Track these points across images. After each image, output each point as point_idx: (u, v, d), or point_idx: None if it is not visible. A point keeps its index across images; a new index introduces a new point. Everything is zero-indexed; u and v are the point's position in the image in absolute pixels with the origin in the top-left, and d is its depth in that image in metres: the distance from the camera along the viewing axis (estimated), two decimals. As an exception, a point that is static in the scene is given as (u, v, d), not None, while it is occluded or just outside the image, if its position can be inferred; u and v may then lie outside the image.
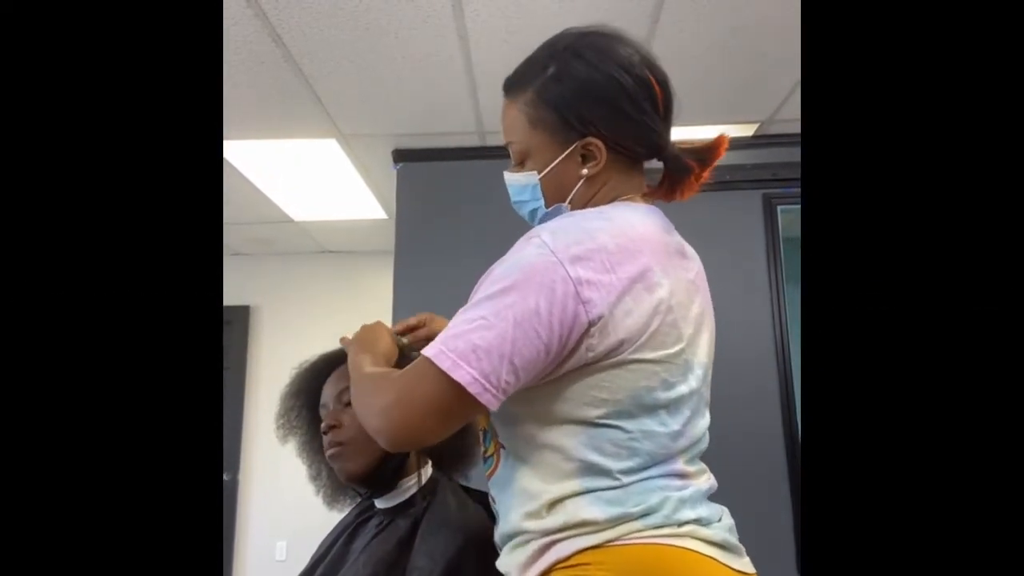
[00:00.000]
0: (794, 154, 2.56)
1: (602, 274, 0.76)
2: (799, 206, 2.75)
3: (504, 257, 0.80)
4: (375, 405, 0.80)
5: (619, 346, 0.77)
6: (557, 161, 0.87)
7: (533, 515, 0.80)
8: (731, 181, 2.50)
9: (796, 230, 4.55)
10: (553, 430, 0.80)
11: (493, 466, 0.88)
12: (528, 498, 0.81)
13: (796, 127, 2.51)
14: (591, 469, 0.78)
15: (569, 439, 0.79)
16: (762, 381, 2.42)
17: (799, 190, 2.70)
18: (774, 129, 2.53)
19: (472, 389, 0.73)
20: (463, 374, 0.73)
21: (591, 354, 0.77)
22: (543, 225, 0.82)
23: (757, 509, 2.29)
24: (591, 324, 0.75)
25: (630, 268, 0.78)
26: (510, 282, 0.76)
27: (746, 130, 2.55)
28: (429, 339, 1.10)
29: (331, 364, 1.21)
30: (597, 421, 0.79)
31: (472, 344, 0.74)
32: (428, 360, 0.75)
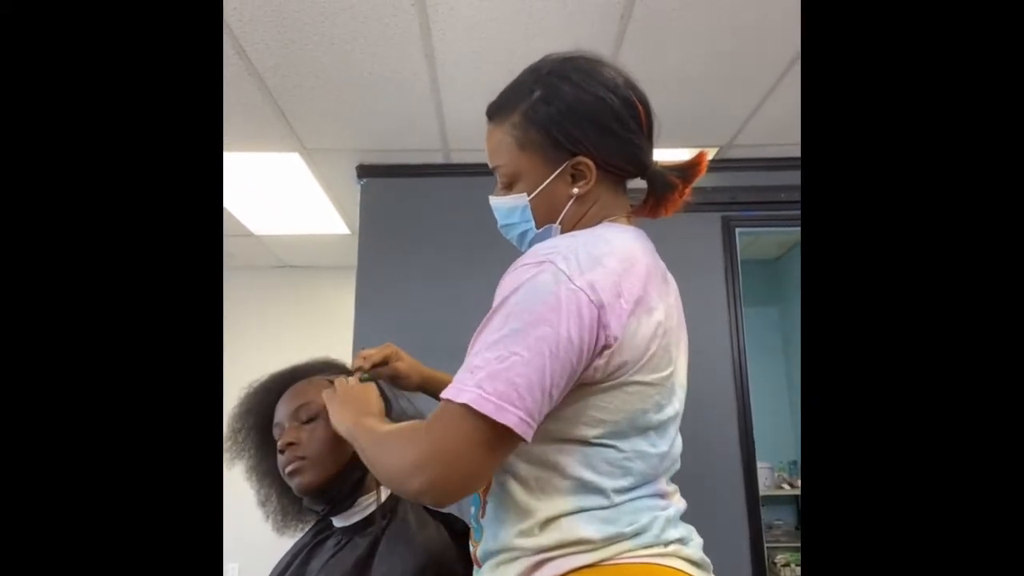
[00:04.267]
0: (753, 178, 2.62)
1: (615, 299, 0.77)
2: (758, 229, 2.80)
3: (512, 285, 0.78)
4: (407, 464, 0.75)
5: (621, 367, 0.78)
6: (547, 181, 0.88)
7: (526, 532, 0.79)
8: (690, 203, 2.54)
9: (754, 252, 4.65)
10: (549, 448, 0.80)
11: (488, 482, 0.86)
12: (521, 515, 0.80)
13: (754, 152, 2.58)
14: (585, 487, 0.79)
15: (565, 457, 0.79)
16: (720, 400, 2.45)
17: (758, 213, 2.76)
18: (733, 154, 2.60)
19: (519, 430, 0.72)
20: (510, 416, 0.71)
21: (597, 375, 0.77)
22: (548, 248, 0.80)
23: (714, 526, 2.31)
24: (606, 347, 0.76)
25: (634, 291, 0.79)
26: (536, 314, 0.74)
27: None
28: (393, 377, 1.09)
29: (282, 383, 1.18)
30: (593, 441, 0.79)
31: (512, 383, 0.72)
32: (462, 407, 0.72)
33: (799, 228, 3.11)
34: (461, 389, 0.73)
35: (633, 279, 0.80)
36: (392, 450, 0.80)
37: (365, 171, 2.64)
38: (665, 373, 0.82)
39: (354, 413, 0.93)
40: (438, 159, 2.62)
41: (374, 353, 1.09)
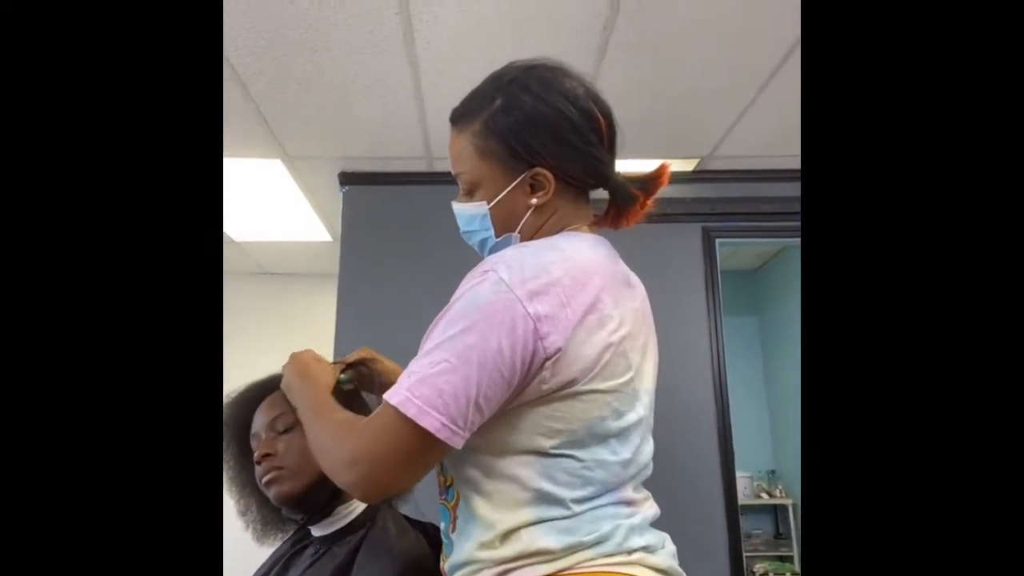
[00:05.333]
0: (732, 189, 2.65)
1: (558, 308, 0.77)
2: (737, 240, 2.85)
3: (458, 293, 0.80)
4: (341, 457, 0.78)
5: (571, 376, 0.78)
6: (506, 191, 0.88)
7: (487, 545, 0.79)
8: (671, 214, 2.57)
9: (733, 263, 4.70)
10: (508, 460, 0.80)
11: (456, 496, 0.87)
12: (483, 528, 0.80)
13: (734, 163, 2.61)
14: (545, 498, 0.79)
15: (524, 469, 0.79)
16: (700, 410, 2.47)
17: (737, 224, 2.80)
18: (713, 165, 2.62)
19: (441, 435, 0.73)
20: (431, 420, 0.73)
21: (545, 386, 0.77)
22: (496, 257, 0.81)
23: (693, 535, 2.32)
24: (547, 359, 0.76)
25: (583, 299, 0.79)
26: (470, 322, 0.76)
27: (686, 165, 2.63)
28: (372, 379, 1.09)
29: (260, 393, 1.17)
30: (551, 451, 0.79)
31: (438, 389, 0.73)
32: (393, 408, 0.74)
33: (778, 239, 3.14)
34: (395, 391, 0.75)
35: (583, 287, 0.80)
36: (331, 442, 0.82)
37: (348, 178, 2.64)
38: (623, 379, 0.82)
39: (303, 391, 0.95)
40: (421, 167, 2.62)
41: (349, 357, 1.10)
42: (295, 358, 1.02)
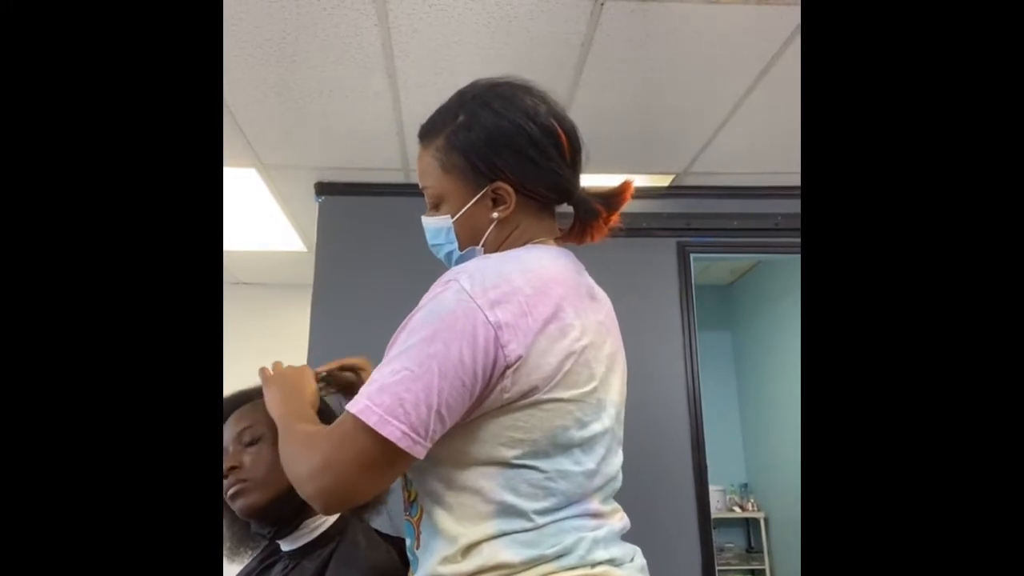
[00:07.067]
0: (707, 205, 2.68)
1: (519, 317, 0.78)
2: (711, 255, 2.87)
3: (421, 303, 0.80)
4: (304, 469, 0.78)
5: (532, 384, 0.78)
6: (468, 205, 0.90)
7: (449, 560, 0.79)
8: (647, 229, 2.59)
9: (707, 278, 4.74)
10: (470, 471, 0.80)
11: (420, 511, 0.86)
12: (446, 542, 0.80)
13: (709, 179, 2.64)
14: (507, 511, 0.78)
15: (487, 481, 0.79)
16: (674, 424, 2.47)
17: (712, 240, 2.83)
18: (688, 181, 2.65)
19: (402, 444, 0.73)
20: (392, 430, 0.72)
21: (506, 395, 0.77)
22: (459, 268, 0.82)
23: (666, 548, 2.32)
24: (508, 367, 0.76)
25: (544, 309, 0.80)
26: (431, 330, 0.76)
27: (662, 180, 2.65)
28: (351, 384, 1.09)
29: (228, 408, 1.16)
30: (513, 462, 0.79)
31: (399, 398, 0.73)
32: (354, 417, 0.74)
33: (752, 254, 3.17)
34: (356, 400, 0.75)
35: (545, 296, 0.81)
36: (296, 453, 0.82)
37: (324, 188, 2.62)
38: (586, 388, 0.82)
39: (279, 396, 0.94)
40: (398, 179, 2.61)
41: (332, 364, 1.10)
42: (281, 373, 1.01)
